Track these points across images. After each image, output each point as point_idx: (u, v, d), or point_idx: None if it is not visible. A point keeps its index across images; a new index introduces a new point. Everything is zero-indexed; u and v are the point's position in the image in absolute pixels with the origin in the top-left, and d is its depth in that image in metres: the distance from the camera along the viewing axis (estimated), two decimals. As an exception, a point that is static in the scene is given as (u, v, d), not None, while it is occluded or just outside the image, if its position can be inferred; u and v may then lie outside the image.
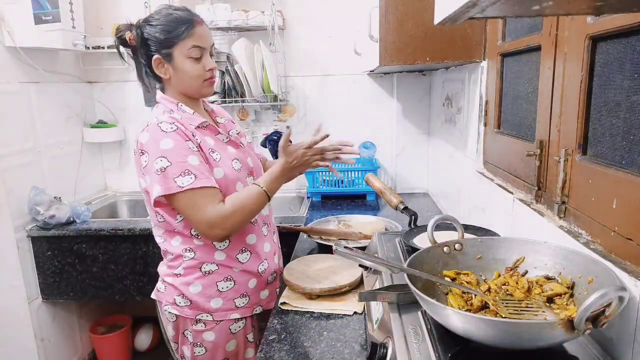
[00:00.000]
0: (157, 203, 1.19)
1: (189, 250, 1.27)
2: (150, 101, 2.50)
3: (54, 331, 2.23)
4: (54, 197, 2.12)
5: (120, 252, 2.05)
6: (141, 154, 1.18)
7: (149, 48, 1.22)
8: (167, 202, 1.19)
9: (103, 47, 2.40)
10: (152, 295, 1.38)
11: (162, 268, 1.35)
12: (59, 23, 2.02)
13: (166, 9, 1.24)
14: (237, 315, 1.31)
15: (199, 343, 1.30)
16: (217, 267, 1.28)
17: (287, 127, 1.35)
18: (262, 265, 1.35)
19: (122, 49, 1.30)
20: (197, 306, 1.28)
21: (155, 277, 2.06)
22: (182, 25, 1.20)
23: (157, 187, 1.14)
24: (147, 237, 2.02)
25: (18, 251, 2.00)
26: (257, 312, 1.37)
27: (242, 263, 1.31)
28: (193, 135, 1.21)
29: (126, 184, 2.70)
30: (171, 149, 1.14)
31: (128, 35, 1.23)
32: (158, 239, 1.33)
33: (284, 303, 1.25)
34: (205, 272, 1.27)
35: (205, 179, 1.16)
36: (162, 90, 1.31)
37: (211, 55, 1.28)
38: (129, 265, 2.06)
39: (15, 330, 2.02)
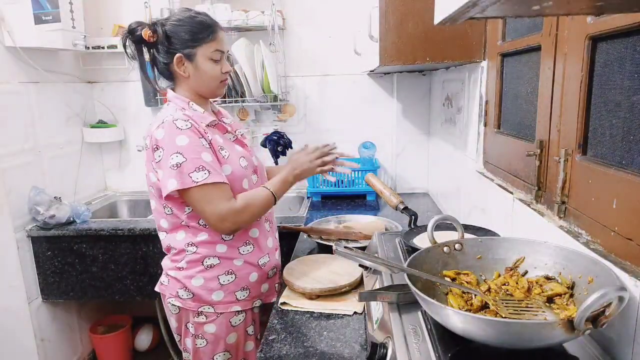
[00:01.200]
0: (168, 196, 1.23)
1: (192, 245, 1.31)
2: (150, 101, 2.50)
3: (54, 331, 2.23)
4: (54, 197, 2.12)
5: (120, 252, 2.05)
6: (155, 149, 1.22)
7: (172, 46, 1.27)
8: (180, 196, 1.24)
9: (103, 47, 2.39)
10: (156, 288, 1.42)
11: (166, 262, 1.39)
12: (59, 23, 2.02)
13: (188, 11, 1.30)
14: (237, 308, 1.35)
15: (200, 335, 1.34)
16: (218, 261, 1.32)
17: (306, 145, 1.45)
18: (263, 258, 1.40)
19: (123, 47, 1.32)
20: (199, 299, 1.32)
21: (155, 277, 2.06)
22: (207, 28, 1.28)
23: (172, 181, 1.19)
24: (147, 237, 2.02)
25: (18, 251, 2.00)
26: (257, 305, 1.41)
27: (243, 255, 1.35)
28: (205, 132, 1.26)
29: (126, 184, 2.70)
30: (186, 146, 1.19)
31: (146, 32, 1.26)
32: (161, 235, 1.37)
33: (284, 303, 1.25)
34: (207, 266, 1.31)
35: (218, 175, 1.22)
36: (173, 89, 1.36)
37: (227, 59, 1.36)
38: (129, 265, 2.06)
39: (15, 330, 2.02)
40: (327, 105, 2.55)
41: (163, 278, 1.39)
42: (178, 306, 1.35)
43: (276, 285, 1.46)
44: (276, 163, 2.43)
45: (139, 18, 2.34)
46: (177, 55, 1.27)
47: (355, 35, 2.24)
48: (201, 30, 1.27)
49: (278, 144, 2.40)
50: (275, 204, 1.33)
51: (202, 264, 1.31)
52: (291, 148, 2.45)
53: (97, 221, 2.14)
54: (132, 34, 1.28)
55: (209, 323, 1.33)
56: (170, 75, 1.33)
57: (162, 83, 1.41)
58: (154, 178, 1.28)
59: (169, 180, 1.19)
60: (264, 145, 2.42)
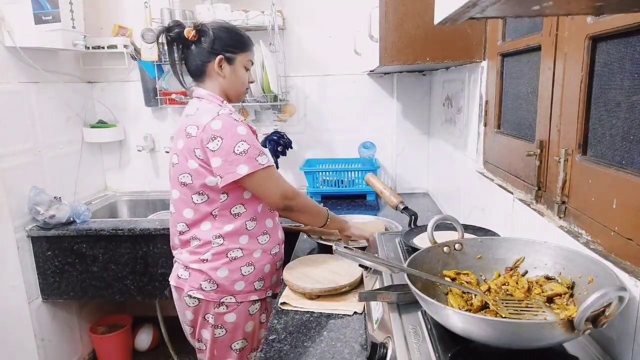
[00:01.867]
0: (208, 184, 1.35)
1: (218, 237, 1.38)
2: (150, 101, 2.50)
3: (54, 331, 2.23)
4: (54, 197, 2.11)
5: (120, 252, 2.05)
6: (212, 139, 1.30)
7: (215, 47, 1.39)
8: (238, 182, 1.32)
9: (103, 47, 2.39)
10: (173, 282, 1.46)
11: (184, 256, 1.43)
12: (59, 23, 2.02)
13: (228, 23, 1.49)
14: (255, 297, 1.44)
15: (220, 325, 1.41)
16: (241, 254, 1.40)
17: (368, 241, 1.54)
18: (275, 248, 1.49)
19: (156, 41, 1.45)
20: (223, 289, 1.39)
21: (155, 277, 2.06)
22: (248, 40, 1.46)
23: (243, 167, 1.30)
24: (147, 237, 2.02)
25: (18, 251, 2.00)
26: (269, 295, 1.49)
27: (262, 244, 1.44)
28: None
29: (126, 184, 2.70)
30: (247, 134, 1.32)
31: (190, 31, 1.38)
32: (181, 226, 1.41)
33: (284, 303, 1.25)
34: (231, 258, 1.39)
35: (271, 160, 1.38)
36: (200, 86, 1.45)
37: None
38: (129, 265, 2.06)
39: (15, 330, 2.02)
40: (327, 105, 2.55)
41: (182, 272, 1.42)
42: (198, 298, 1.39)
43: (281, 277, 1.50)
44: (276, 163, 2.43)
45: (139, 18, 2.33)
46: (220, 56, 1.39)
47: (355, 35, 2.25)
48: (243, 40, 1.44)
49: (278, 144, 2.40)
50: (322, 226, 1.50)
51: (227, 256, 1.38)
52: (291, 148, 2.45)
53: (97, 221, 2.14)
54: (170, 31, 1.39)
55: (230, 313, 1.40)
56: (202, 74, 1.42)
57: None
58: (194, 165, 1.34)
59: (239, 166, 1.29)
60: (264, 145, 2.42)
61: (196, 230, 1.40)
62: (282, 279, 1.37)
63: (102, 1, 2.47)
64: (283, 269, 1.43)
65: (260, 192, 1.37)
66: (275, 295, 1.49)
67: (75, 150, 2.44)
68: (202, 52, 1.39)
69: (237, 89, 1.46)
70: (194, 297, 1.39)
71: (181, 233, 1.42)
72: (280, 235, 1.55)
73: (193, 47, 1.40)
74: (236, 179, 1.30)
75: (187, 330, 1.50)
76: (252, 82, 1.51)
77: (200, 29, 1.38)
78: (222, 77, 1.42)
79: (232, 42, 1.41)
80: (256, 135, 1.47)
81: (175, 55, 1.43)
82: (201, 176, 1.34)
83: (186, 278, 1.40)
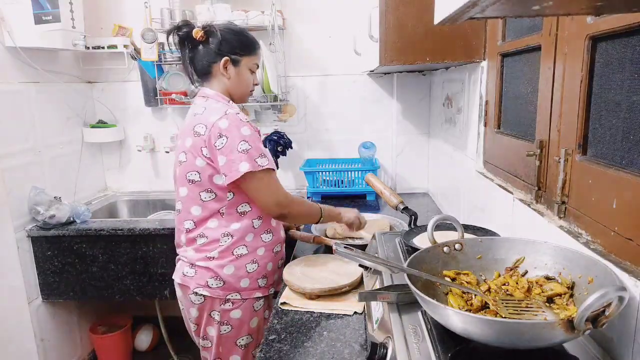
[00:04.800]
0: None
1: (226, 235, 1.41)
2: (150, 101, 2.50)
3: (54, 331, 2.23)
4: (54, 197, 2.11)
5: (120, 252, 2.05)
6: (219, 137, 1.34)
7: (221, 48, 1.43)
8: (237, 181, 1.35)
9: (103, 47, 2.39)
10: (178, 280, 1.47)
11: (189, 253, 1.45)
12: (59, 23, 2.02)
13: (237, 26, 1.53)
14: (259, 294, 1.48)
15: (225, 321, 1.44)
16: (246, 251, 1.43)
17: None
18: (277, 247, 1.53)
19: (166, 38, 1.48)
20: (229, 286, 1.43)
21: (155, 277, 2.06)
22: (255, 43, 1.51)
23: (244, 164, 1.32)
24: (147, 237, 2.02)
25: (18, 251, 2.00)
26: (272, 292, 1.53)
27: (265, 242, 1.48)
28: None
29: (126, 184, 2.70)
30: (250, 135, 1.35)
31: (198, 31, 1.41)
32: (189, 224, 1.44)
33: (284, 303, 1.25)
34: (237, 255, 1.43)
35: (272, 163, 1.39)
36: (206, 86, 1.49)
37: None
38: (129, 265, 2.06)
39: (15, 330, 2.02)
40: (327, 105, 2.55)
41: (187, 270, 1.44)
42: (204, 295, 1.42)
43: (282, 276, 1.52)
44: (276, 163, 2.43)
45: (139, 18, 2.33)
46: (225, 57, 1.43)
47: (355, 35, 2.24)
48: (250, 43, 1.48)
49: (278, 144, 2.40)
50: (317, 222, 1.52)
51: (233, 254, 1.42)
52: (291, 148, 2.45)
53: (97, 221, 2.14)
54: (179, 30, 1.43)
55: (235, 309, 1.44)
56: (208, 74, 1.46)
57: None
58: (202, 163, 1.37)
59: (241, 163, 1.32)
60: (264, 145, 2.42)
61: (203, 228, 1.43)
62: (282, 279, 1.38)
63: (102, 1, 2.47)
64: (284, 268, 1.43)
65: (255, 196, 1.39)
66: (276, 294, 1.50)
67: (75, 150, 2.44)
68: (209, 52, 1.43)
69: (241, 90, 1.50)
70: (200, 295, 1.42)
71: (188, 231, 1.44)
72: (282, 234, 1.57)
73: (200, 47, 1.44)
74: (238, 177, 1.32)
75: (191, 327, 1.52)
76: (256, 84, 1.54)
77: (208, 30, 1.42)
78: (226, 78, 1.45)
79: (239, 45, 1.45)
80: (260, 135, 1.49)
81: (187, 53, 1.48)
82: (208, 174, 1.38)
83: (192, 275, 1.43)
